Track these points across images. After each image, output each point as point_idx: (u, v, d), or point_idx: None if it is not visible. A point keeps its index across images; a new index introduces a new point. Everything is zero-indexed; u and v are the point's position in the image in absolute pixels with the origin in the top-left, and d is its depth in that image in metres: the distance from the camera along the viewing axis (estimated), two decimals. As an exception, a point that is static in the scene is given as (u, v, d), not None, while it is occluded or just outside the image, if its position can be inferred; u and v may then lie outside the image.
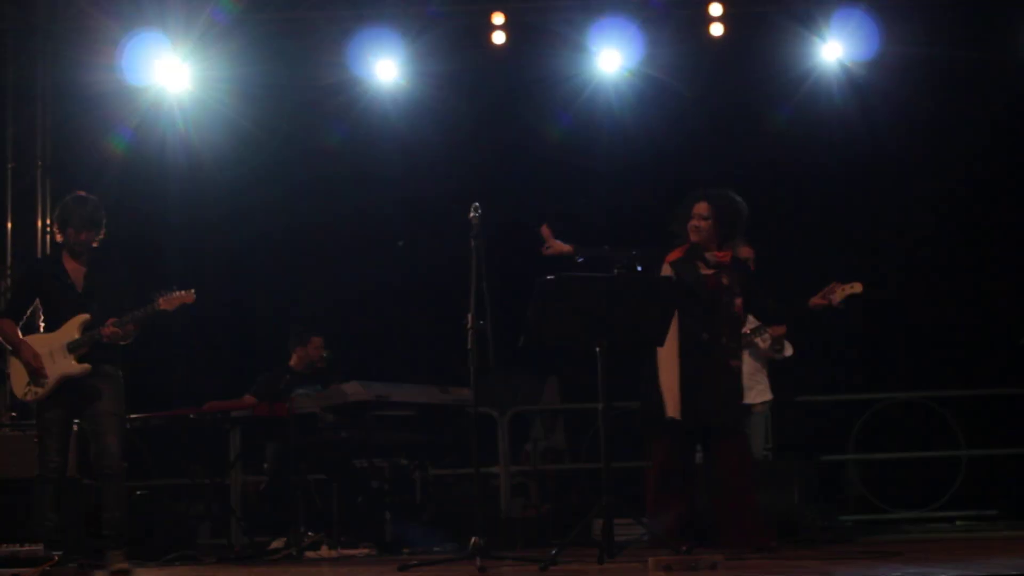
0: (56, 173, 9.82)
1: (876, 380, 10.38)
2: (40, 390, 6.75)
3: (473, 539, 5.79)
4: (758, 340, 7.85)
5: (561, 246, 6.78)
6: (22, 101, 9.76)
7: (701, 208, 6.75)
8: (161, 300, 6.84)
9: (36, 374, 6.71)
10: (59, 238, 6.89)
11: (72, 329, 6.78)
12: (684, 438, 6.65)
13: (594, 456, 9.98)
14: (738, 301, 6.71)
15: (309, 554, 7.77)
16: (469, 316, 5.99)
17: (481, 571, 5.48)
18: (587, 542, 7.15)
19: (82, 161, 9.92)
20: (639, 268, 6.50)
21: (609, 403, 6.02)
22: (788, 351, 7.89)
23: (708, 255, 6.73)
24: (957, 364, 10.24)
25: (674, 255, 6.75)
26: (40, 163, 9.73)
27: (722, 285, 6.68)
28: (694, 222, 6.74)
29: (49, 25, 9.85)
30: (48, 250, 9.45)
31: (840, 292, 7.33)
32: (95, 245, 6.88)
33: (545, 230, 6.80)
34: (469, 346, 5.99)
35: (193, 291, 6.92)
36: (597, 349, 6.06)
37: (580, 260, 6.74)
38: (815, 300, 6.86)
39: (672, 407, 6.52)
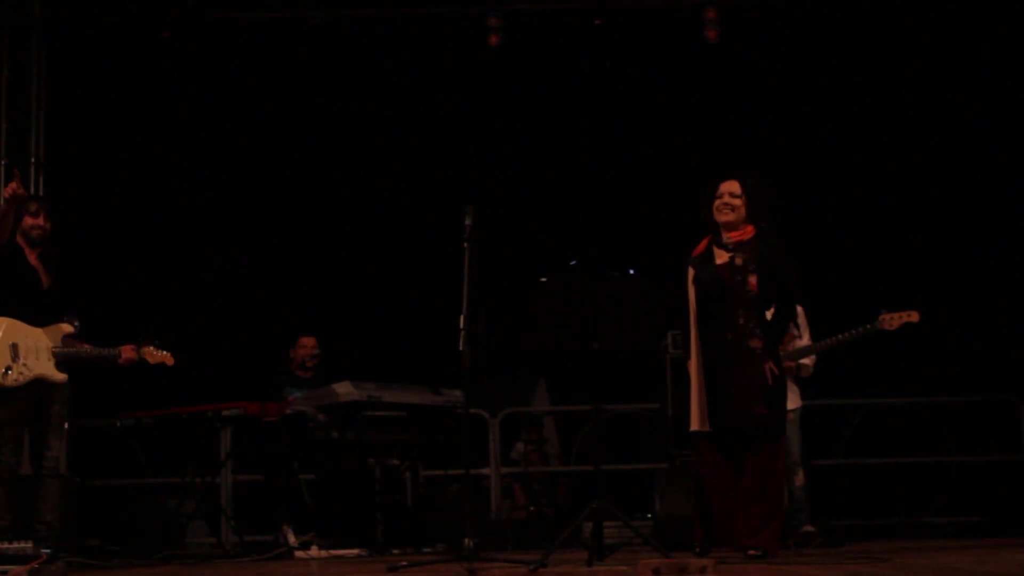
0: (49, 169, 9.81)
1: (867, 385, 10.37)
2: (20, 379, 6.78)
3: (466, 541, 5.76)
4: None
5: None
6: (16, 96, 9.74)
7: (732, 187, 6.33)
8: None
9: None
10: None
11: (57, 335, 6.94)
12: (717, 447, 6.23)
13: (584, 459, 10.00)
14: (752, 279, 6.18)
15: (299, 554, 7.77)
16: (462, 318, 5.98)
17: (470, 573, 5.47)
18: (577, 544, 7.18)
19: (76, 158, 9.91)
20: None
21: (599, 406, 6.01)
22: (804, 370, 7.68)
23: (726, 238, 6.31)
24: (948, 369, 10.25)
25: (698, 249, 6.41)
26: (33, 159, 9.70)
27: (735, 267, 6.22)
28: (724, 200, 6.30)
29: (45, 21, 9.82)
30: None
31: (897, 320, 7.32)
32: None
33: None
34: (461, 347, 5.95)
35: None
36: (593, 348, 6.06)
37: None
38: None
39: (696, 420, 6.22)
